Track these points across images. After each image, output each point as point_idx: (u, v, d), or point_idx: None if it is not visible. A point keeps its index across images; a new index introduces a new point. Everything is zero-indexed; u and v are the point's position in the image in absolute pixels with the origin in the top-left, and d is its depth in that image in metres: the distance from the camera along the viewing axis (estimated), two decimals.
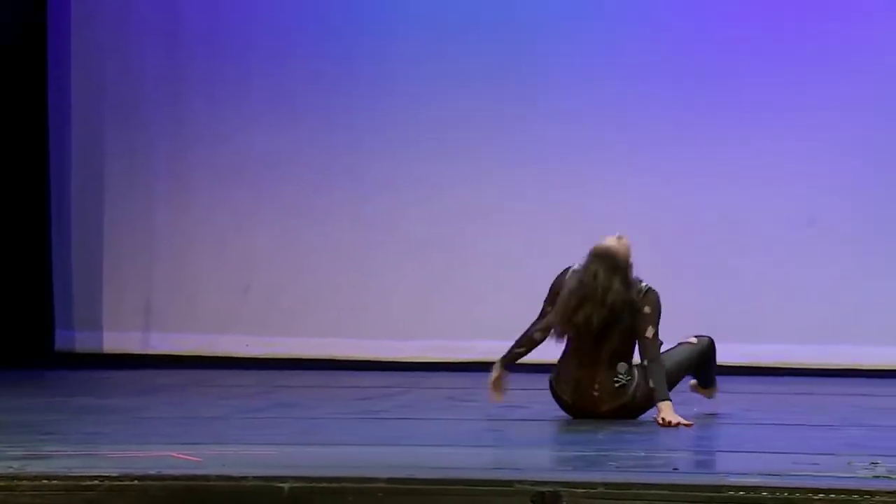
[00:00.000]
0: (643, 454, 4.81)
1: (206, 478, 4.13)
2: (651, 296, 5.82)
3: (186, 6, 9.19)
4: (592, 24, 8.84)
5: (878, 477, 4.16)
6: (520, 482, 4.03)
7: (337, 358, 8.90)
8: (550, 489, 3.99)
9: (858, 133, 8.56)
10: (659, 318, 5.81)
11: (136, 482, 4.12)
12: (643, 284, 5.85)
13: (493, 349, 8.77)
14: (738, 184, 8.68)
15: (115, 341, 9.16)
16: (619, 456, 4.67)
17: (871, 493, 3.90)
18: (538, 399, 6.07)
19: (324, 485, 4.09)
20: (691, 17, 8.80)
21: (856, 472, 4.24)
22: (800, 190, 8.63)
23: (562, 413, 6.00)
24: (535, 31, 8.87)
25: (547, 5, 8.90)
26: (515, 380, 7.99)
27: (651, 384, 5.76)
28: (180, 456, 4.52)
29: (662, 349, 5.88)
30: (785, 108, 8.67)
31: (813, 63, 8.67)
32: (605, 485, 4.01)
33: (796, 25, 8.71)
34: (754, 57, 8.70)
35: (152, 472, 4.17)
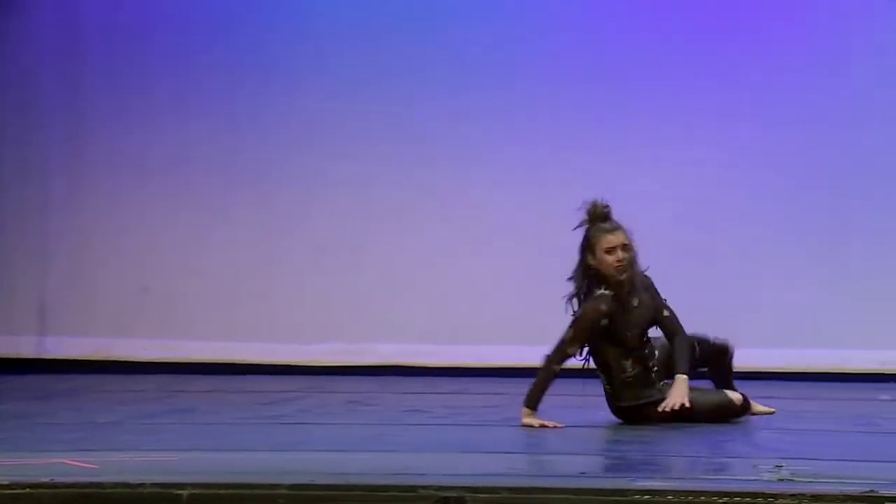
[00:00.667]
0: (550, 457, 4.85)
1: (101, 485, 4.10)
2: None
3: (86, 2, 9.09)
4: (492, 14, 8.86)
5: (782, 480, 4.23)
6: (423, 487, 4.05)
7: (237, 362, 8.85)
8: (455, 494, 4.01)
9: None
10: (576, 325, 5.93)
11: (28, 490, 4.08)
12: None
13: (397, 352, 8.83)
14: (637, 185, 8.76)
15: (7, 345, 9.04)
16: (526, 459, 4.71)
17: (775, 496, 3.96)
18: (442, 403, 6.10)
19: (223, 491, 4.08)
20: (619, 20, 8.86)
21: (760, 476, 4.31)
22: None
23: (467, 416, 6.03)
24: (447, 24, 8.86)
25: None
26: (420, 384, 8.02)
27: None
28: (75, 463, 4.48)
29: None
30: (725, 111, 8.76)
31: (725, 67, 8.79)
32: (510, 489, 4.04)
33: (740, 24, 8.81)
34: (667, 59, 8.79)
35: (45, 479, 4.13)
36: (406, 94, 8.86)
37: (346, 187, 8.90)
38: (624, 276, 5.89)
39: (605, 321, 5.92)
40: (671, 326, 6.03)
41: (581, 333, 5.94)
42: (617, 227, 5.95)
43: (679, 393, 5.89)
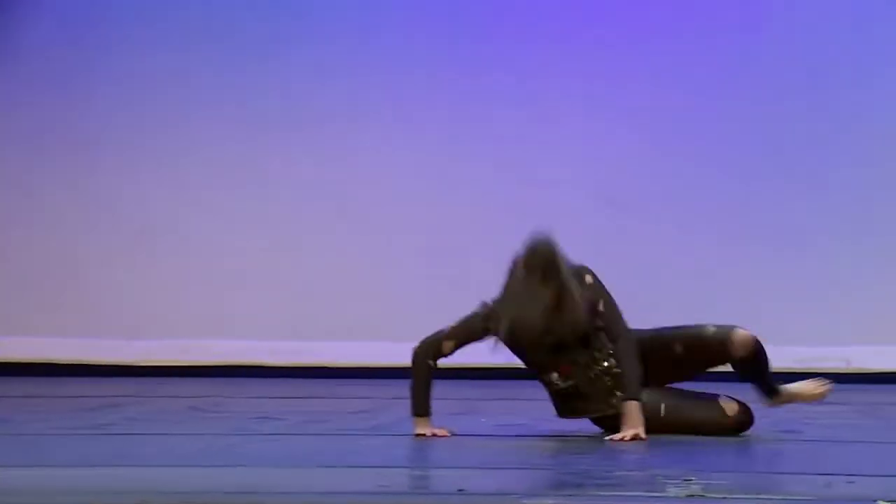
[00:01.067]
0: (426, 472, 4.86)
1: None
2: None
3: None
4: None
5: (691, 496, 4.29)
6: None
7: (56, 361, 8.78)
8: None
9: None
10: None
11: None
12: None
13: (240, 350, 8.82)
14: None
15: None
16: (397, 474, 4.72)
17: None
18: (299, 408, 6.09)
19: None
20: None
21: (666, 491, 4.36)
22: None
23: (329, 425, 6.03)
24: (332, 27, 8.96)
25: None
26: (273, 387, 8.02)
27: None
28: None
29: None
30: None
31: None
32: None
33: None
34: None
35: None
36: (214, 71, 8.91)
37: (171, 165, 8.89)
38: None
39: (490, 332, 5.92)
40: (608, 327, 5.93)
41: (461, 335, 5.94)
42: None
43: (630, 423, 5.78)
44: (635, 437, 5.75)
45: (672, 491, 4.36)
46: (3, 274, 8.92)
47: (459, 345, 5.95)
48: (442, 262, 8.73)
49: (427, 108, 9.06)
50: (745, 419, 5.96)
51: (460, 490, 4.44)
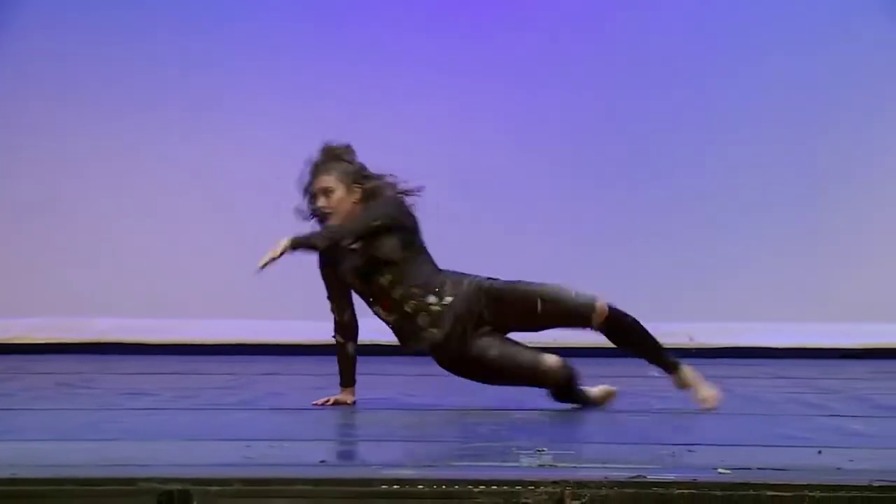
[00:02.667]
0: (287, 444, 4.88)
1: None
2: None
3: None
4: None
5: (543, 465, 4.36)
6: (144, 480, 4.03)
7: None
8: (180, 487, 4.01)
9: None
10: None
11: None
12: None
13: (111, 327, 8.76)
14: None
15: None
16: (259, 447, 4.73)
17: (536, 483, 4.07)
18: (169, 384, 6.08)
19: None
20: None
21: (519, 462, 4.43)
22: None
23: (198, 399, 6.02)
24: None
25: None
26: (143, 364, 7.97)
27: None
28: None
29: None
30: None
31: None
32: (242, 481, 4.05)
33: None
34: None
35: None
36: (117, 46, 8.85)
37: (49, 140, 8.79)
38: (327, 223, 5.96)
39: (328, 270, 6.00)
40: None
41: (330, 293, 6.02)
42: (321, 170, 5.99)
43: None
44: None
45: (526, 461, 4.42)
46: None
47: (338, 305, 6.01)
48: None
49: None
50: (560, 374, 6.04)
51: (322, 461, 4.47)
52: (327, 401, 6.04)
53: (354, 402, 6.08)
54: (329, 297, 6.09)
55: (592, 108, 9.24)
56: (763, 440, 5.09)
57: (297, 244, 5.75)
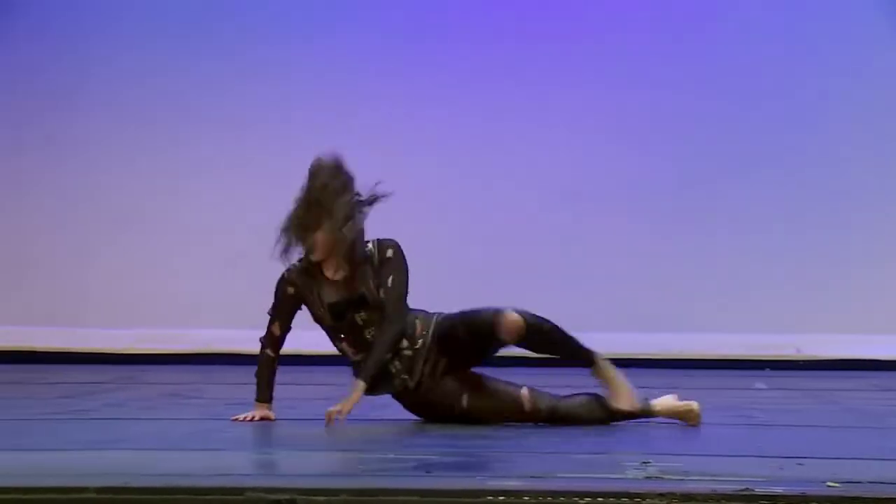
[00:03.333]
0: (392, 455, 4.89)
1: None
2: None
3: None
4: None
5: (649, 477, 4.33)
6: (252, 490, 4.06)
7: (35, 349, 8.76)
8: (287, 497, 4.03)
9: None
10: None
11: None
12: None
13: (218, 338, 8.81)
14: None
15: None
16: (366, 458, 4.74)
17: (642, 496, 4.05)
18: (278, 396, 6.09)
19: (20, 496, 4.04)
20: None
21: (626, 473, 4.40)
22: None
23: (303, 410, 6.06)
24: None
25: None
26: (248, 373, 8.03)
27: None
28: None
29: None
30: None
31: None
32: (349, 491, 4.07)
33: None
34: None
35: None
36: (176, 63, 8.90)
37: (153, 147, 8.88)
38: (313, 257, 5.81)
39: (291, 291, 5.89)
40: (385, 304, 5.80)
41: (276, 306, 5.95)
42: (312, 225, 5.77)
43: (344, 400, 5.74)
44: (333, 414, 5.68)
45: (632, 473, 4.40)
46: None
47: (281, 323, 5.93)
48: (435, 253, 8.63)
49: (396, 104, 9.06)
50: (540, 415, 5.85)
51: (427, 472, 4.48)
52: (250, 417, 5.86)
53: (273, 419, 5.90)
54: (274, 312, 5.92)
55: (687, 109, 9.16)
56: (873, 454, 5.02)
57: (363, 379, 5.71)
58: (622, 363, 8.01)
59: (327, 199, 5.74)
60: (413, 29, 9.13)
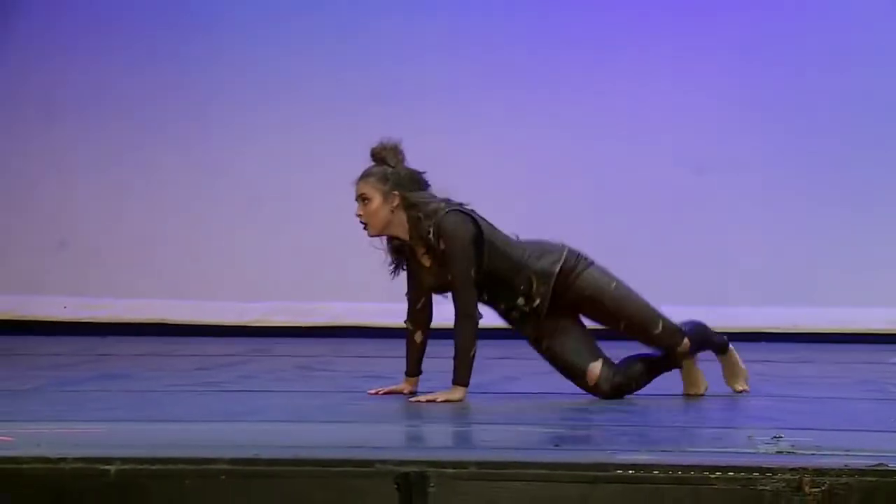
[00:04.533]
0: (521, 428, 4.89)
1: (17, 460, 4.11)
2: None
3: None
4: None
5: (781, 452, 4.28)
6: (381, 462, 4.07)
7: (169, 322, 8.87)
8: (416, 469, 4.04)
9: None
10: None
11: None
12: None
13: (345, 311, 8.86)
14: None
15: None
16: (493, 431, 4.74)
17: (774, 471, 4.00)
18: (402, 368, 6.11)
19: (157, 467, 4.09)
20: None
21: (757, 448, 4.36)
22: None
23: (432, 383, 6.07)
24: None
25: None
26: (378, 346, 8.06)
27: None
28: None
29: None
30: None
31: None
32: (478, 464, 4.07)
33: None
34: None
35: None
36: (332, 42, 8.91)
37: (284, 129, 8.93)
38: (369, 234, 5.78)
39: (405, 266, 5.84)
40: (455, 304, 5.69)
41: (407, 279, 5.90)
42: (361, 175, 5.78)
43: (440, 394, 5.63)
44: (432, 401, 5.58)
45: (763, 448, 4.36)
46: (120, 239, 9.01)
47: (410, 296, 5.86)
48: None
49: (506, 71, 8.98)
50: (599, 390, 5.77)
51: (556, 445, 4.47)
52: (383, 391, 5.81)
53: (413, 393, 5.81)
54: (409, 285, 5.85)
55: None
56: None
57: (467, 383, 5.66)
58: (752, 337, 7.97)
59: (381, 164, 5.73)
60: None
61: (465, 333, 5.65)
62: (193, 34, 8.99)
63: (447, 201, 5.73)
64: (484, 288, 5.73)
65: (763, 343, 8.08)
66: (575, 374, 5.80)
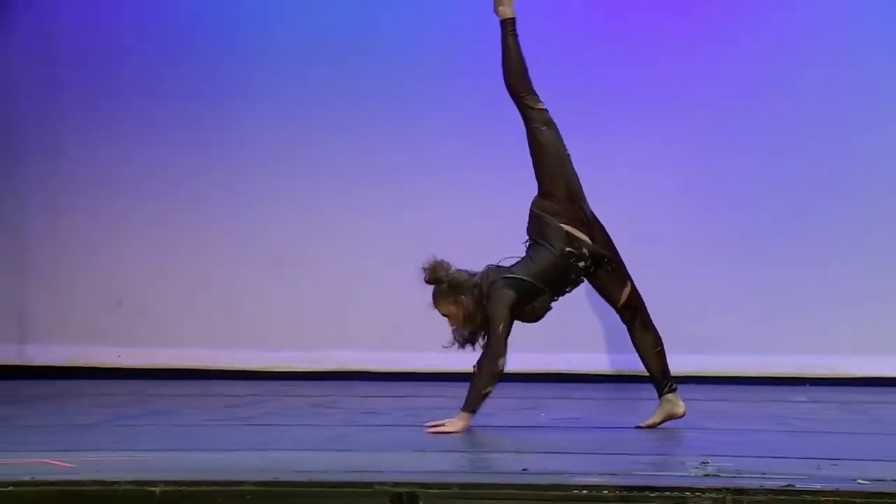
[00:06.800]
0: (495, 455, 4.87)
1: (79, 483, 4.09)
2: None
3: (61, 23, 9.02)
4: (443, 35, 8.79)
5: (708, 475, 4.27)
6: (379, 483, 4.06)
7: (208, 368, 8.82)
8: (408, 490, 4.02)
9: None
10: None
11: (10, 488, 4.05)
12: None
13: (352, 359, 8.81)
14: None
15: None
16: (472, 458, 4.72)
17: (702, 490, 4.00)
18: (397, 405, 6.10)
19: (194, 488, 4.08)
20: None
21: (688, 471, 4.34)
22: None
23: (421, 418, 6.04)
24: (380, 51, 8.83)
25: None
26: (377, 388, 8.02)
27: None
28: (54, 462, 4.45)
29: None
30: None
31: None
32: (459, 485, 4.06)
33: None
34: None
35: (26, 477, 4.10)
36: (354, 121, 8.85)
37: (302, 204, 8.89)
38: (470, 330, 5.78)
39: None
40: (488, 346, 5.71)
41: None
42: (434, 304, 5.81)
43: (449, 422, 5.62)
44: (440, 428, 5.60)
45: (693, 471, 4.34)
46: (164, 298, 8.95)
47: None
48: None
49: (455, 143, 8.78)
50: (621, 313, 5.88)
51: (524, 469, 4.45)
52: (440, 424, 5.71)
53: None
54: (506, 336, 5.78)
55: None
56: None
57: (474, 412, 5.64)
58: (684, 380, 7.83)
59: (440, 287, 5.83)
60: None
61: (487, 374, 5.63)
62: (233, 121, 8.91)
63: (486, 269, 5.76)
64: (553, 294, 5.76)
65: (692, 384, 8.03)
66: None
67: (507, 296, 5.71)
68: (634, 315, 5.88)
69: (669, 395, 5.88)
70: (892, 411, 6.91)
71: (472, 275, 5.80)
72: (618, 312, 5.91)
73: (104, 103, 8.96)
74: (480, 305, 5.72)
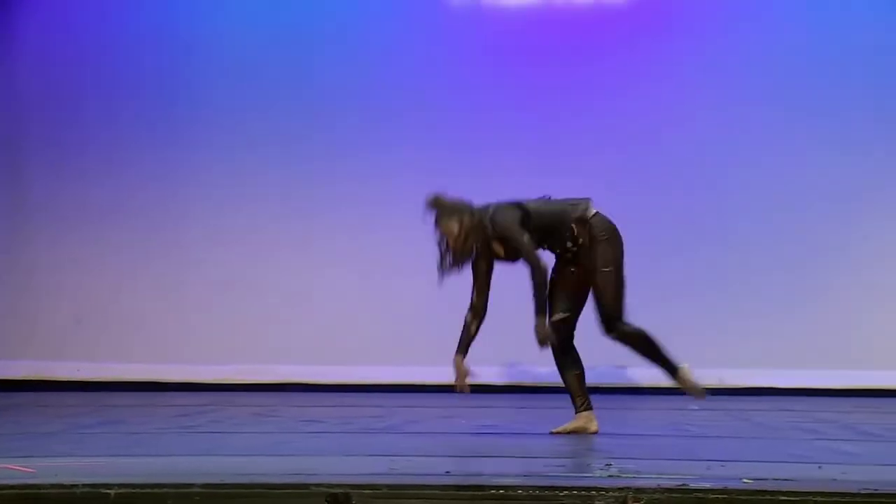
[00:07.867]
0: (421, 458, 4.87)
1: (38, 486, 4.04)
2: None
3: (24, 57, 8.91)
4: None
5: (611, 476, 4.30)
6: (315, 485, 4.05)
7: (160, 380, 8.75)
8: (342, 491, 4.01)
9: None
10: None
11: None
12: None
13: (293, 372, 8.77)
14: None
15: None
16: (400, 460, 4.72)
17: (606, 490, 4.02)
18: (333, 414, 6.07)
19: (146, 490, 4.04)
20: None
21: (593, 472, 4.37)
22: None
23: (355, 426, 6.02)
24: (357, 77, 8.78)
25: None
26: (314, 398, 7.98)
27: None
28: (15, 468, 4.39)
29: None
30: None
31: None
32: (388, 486, 4.05)
33: None
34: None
35: None
36: (288, 160, 8.81)
37: (247, 232, 8.85)
38: (457, 261, 5.79)
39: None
40: (526, 261, 5.75)
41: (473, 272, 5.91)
42: (435, 222, 5.81)
43: (538, 332, 5.67)
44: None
45: (598, 472, 4.37)
46: (120, 317, 8.87)
47: (479, 287, 5.79)
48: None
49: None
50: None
51: (447, 472, 4.45)
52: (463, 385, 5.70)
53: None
54: (473, 283, 5.79)
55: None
56: (777, 458, 4.98)
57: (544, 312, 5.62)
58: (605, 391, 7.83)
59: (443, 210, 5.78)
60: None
61: (538, 279, 5.63)
62: (182, 155, 8.85)
63: (485, 205, 5.76)
64: (540, 242, 5.75)
65: (603, 395, 8.05)
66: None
67: (511, 213, 5.75)
68: (566, 336, 5.90)
69: (585, 413, 5.93)
70: (771, 417, 7.00)
71: (470, 205, 5.85)
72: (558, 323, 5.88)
73: (67, 144, 8.88)
74: (479, 228, 5.72)
